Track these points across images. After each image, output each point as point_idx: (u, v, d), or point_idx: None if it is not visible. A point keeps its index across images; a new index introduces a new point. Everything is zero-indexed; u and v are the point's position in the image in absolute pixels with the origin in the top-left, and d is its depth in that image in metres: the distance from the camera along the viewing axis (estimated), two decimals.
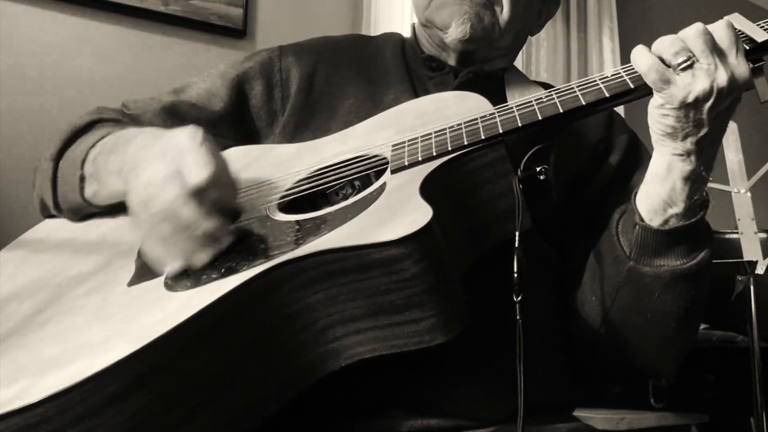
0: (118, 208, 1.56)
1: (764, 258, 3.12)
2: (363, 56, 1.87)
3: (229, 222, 1.32)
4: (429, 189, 1.25)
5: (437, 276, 1.14)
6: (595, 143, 1.74)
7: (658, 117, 1.31)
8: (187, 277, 1.23)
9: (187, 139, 1.32)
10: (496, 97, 1.54)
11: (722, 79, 1.26)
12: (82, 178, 1.53)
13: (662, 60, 1.29)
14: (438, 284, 1.14)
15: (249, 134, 1.75)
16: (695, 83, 1.26)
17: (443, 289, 1.16)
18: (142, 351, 1.04)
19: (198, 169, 1.26)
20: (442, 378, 1.41)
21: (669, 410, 3.58)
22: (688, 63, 1.27)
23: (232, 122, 1.76)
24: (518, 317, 1.21)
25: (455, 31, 1.72)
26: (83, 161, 1.54)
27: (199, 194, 1.26)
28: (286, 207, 1.41)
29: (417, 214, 1.15)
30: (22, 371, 1.08)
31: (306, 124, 1.71)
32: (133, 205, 1.31)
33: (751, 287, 3.12)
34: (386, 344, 1.17)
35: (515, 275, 1.22)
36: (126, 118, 1.73)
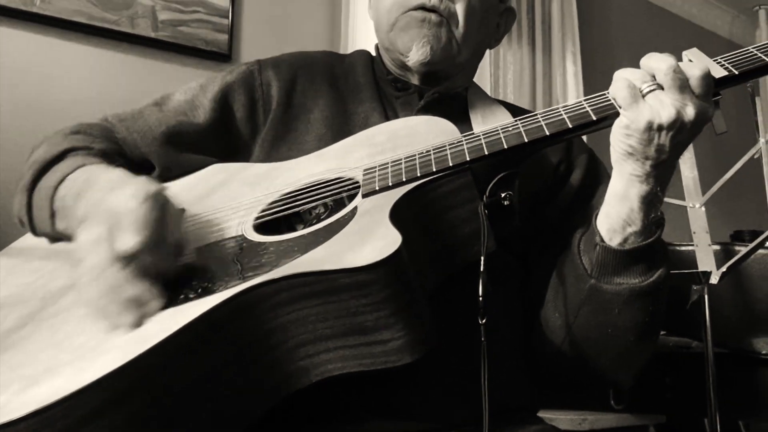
0: None
1: (718, 268, 3.14)
2: (336, 72, 1.88)
3: (159, 286, 1.24)
4: (398, 214, 1.26)
5: (405, 300, 1.15)
6: (556, 164, 1.75)
7: (622, 137, 1.33)
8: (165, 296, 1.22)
9: (130, 198, 1.28)
10: (460, 116, 1.60)
11: (690, 114, 1.29)
12: (53, 214, 1.52)
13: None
14: (406, 308, 1.15)
15: (231, 147, 1.75)
16: (662, 111, 1.29)
17: (411, 312, 1.16)
18: (120, 370, 1.04)
19: (128, 236, 1.23)
20: (411, 384, 1.41)
21: (628, 411, 3.60)
22: (653, 89, 1.30)
23: (215, 135, 1.75)
24: (482, 339, 1.22)
25: (416, 54, 1.74)
26: (52, 198, 1.52)
27: (125, 259, 1.23)
28: (262, 227, 1.41)
29: (386, 240, 1.16)
30: (3, 385, 1.08)
31: (283, 138, 1.72)
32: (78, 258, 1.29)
33: (706, 296, 3.14)
34: (355, 362, 1.18)
35: (480, 299, 1.22)
36: (105, 135, 1.73)
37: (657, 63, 1.34)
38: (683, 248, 3.36)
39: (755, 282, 3.40)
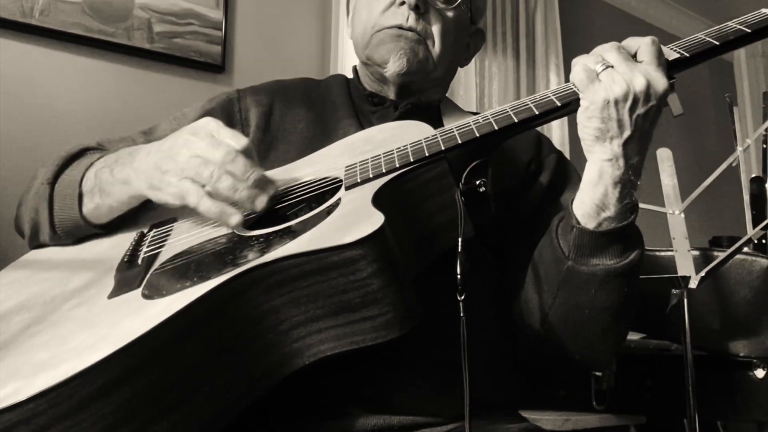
0: (110, 228, 1.63)
1: (697, 273, 3.15)
2: (313, 96, 1.91)
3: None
4: (380, 200, 1.29)
5: (391, 275, 1.18)
6: (527, 163, 1.80)
7: (585, 121, 1.38)
8: (162, 287, 1.25)
9: (211, 121, 1.45)
10: (434, 125, 1.59)
11: (639, 83, 1.34)
12: (81, 195, 1.55)
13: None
14: (391, 282, 1.18)
15: None
16: (614, 86, 1.34)
17: (396, 287, 1.19)
18: (118, 353, 1.06)
19: (237, 137, 1.41)
20: (398, 377, 1.43)
21: (610, 412, 3.60)
22: (604, 68, 1.36)
23: None
24: (461, 314, 1.24)
25: (394, 66, 1.79)
26: (81, 181, 1.56)
27: (244, 153, 1.39)
28: (252, 226, 1.43)
29: (371, 220, 1.19)
30: (15, 375, 1.08)
31: (266, 157, 1.75)
32: (167, 172, 1.42)
33: (685, 300, 3.14)
34: (346, 341, 1.20)
35: (458, 276, 1.24)
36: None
37: (604, 46, 1.42)
38: (663, 254, 3.37)
39: (733, 286, 3.41)
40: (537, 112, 1.42)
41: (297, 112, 1.87)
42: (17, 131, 3.25)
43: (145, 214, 1.67)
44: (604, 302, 1.50)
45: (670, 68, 1.42)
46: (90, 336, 1.16)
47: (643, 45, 1.41)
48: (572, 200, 1.50)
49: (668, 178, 3.29)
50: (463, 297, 1.24)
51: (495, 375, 1.62)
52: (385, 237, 1.19)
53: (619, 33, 5.21)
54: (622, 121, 1.36)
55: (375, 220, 1.20)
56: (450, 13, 1.87)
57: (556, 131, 5.60)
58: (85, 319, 1.25)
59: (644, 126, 1.39)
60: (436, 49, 1.85)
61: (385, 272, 1.18)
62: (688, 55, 1.43)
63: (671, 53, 1.44)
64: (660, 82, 1.37)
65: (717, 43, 1.43)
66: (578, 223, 1.46)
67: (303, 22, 4.40)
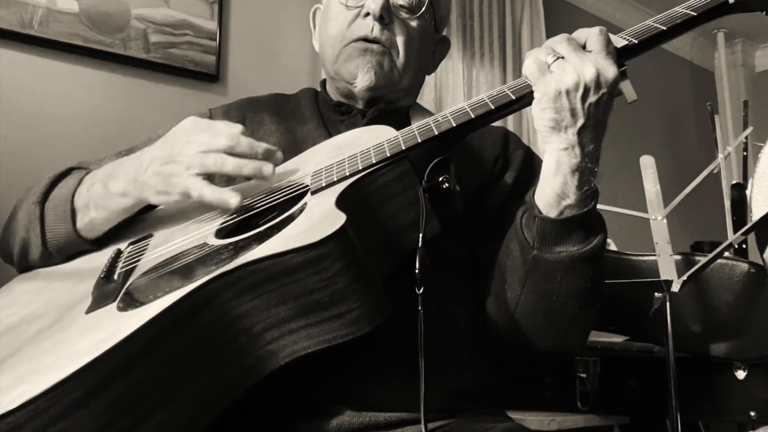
0: (100, 243, 1.65)
1: (679, 277, 3.16)
2: (283, 111, 1.93)
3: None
4: (344, 202, 1.31)
5: (356, 272, 1.19)
6: (493, 160, 1.82)
7: (540, 113, 1.40)
8: (137, 299, 1.26)
9: (199, 120, 1.53)
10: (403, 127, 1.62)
11: (589, 72, 1.36)
12: (74, 211, 1.58)
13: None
14: (358, 279, 1.19)
15: None
16: (564, 76, 1.36)
17: (363, 282, 1.20)
18: (84, 370, 1.06)
19: (230, 124, 1.47)
20: (378, 375, 1.45)
21: (594, 413, 3.61)
22: (555, 59, 1.38)
23: None
24: (419, 308, 1.26)
25: (362, 80, 1.81)
26: (73, 197, 1.59)
27: (243, 134, 1.49)
28: (221, 236, 1.45)
29: (332, 219, 1.21)
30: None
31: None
32: (172, 175, 1.48)
33: (667, 304, 3.15)
34: (318, 340, 1.21)
35: (416, 271, 1.27)
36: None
37: (554, 39, 1.45)
38: (646, 258, 3.38)
39: (714, 290, 3.42)
40: (493, 107, 1.45)
41: (268, 126, 1.89)
42: (16, 139, 3.26)
43: (128, 231, 1.70)
44: (570, 288, 1.51)
45: (619, 56, 1.44)
46: (66, 351, 1.16)
47: (591, 35, 1.43)
48: (533, 191, 1.52)
49: (651, 185, 3.30)
50: (421, 290, 1.27)
51: (474, 368, 1.62)
52: (348, 235, 1.20)
53: None
54: (575, 110, 1.38)
55: (337, 219, 1.21)
56: (414, 23, 1.89)
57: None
58: (59, 337, 1.26)
59: (597, 114, 1.41)
60: (400, 59, 1.86)
61: (350, 269, 1.19)
62: (636, 41, 1.46)
63: (620, 41, 1.46)
64: (609, 70, 1.39)
65: (664, 27, 1.46)
66: (540, 212, 1.48)
67: (295, 33, 4.40)
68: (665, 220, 3.33)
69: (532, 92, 1.43)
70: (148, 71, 3.78)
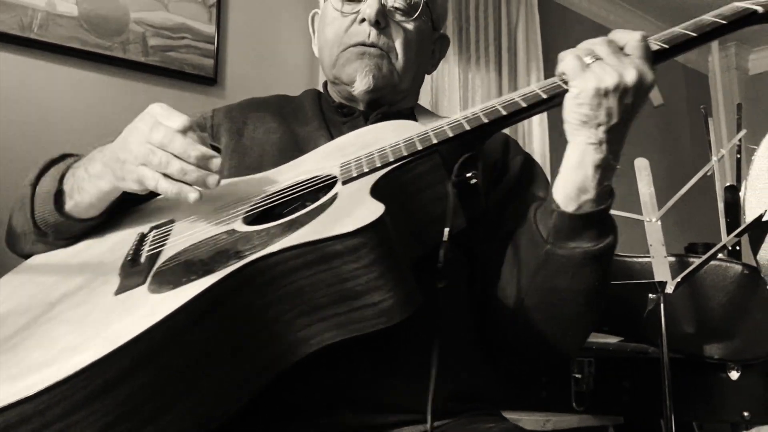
0: (99, 221, 1.64)
1: (673, 279, 3.17)
2: (286, 111, 1.93)
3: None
4: (378, 192, 1.30)
5: (391, 262, 1.19)
6: (493, 164, 1.81)
7: (574, 107, 1.40)
8: (169, 281, 1.25)
9: (156, 106, 1.47)
10: None
11: (630, 75, 1.37)
12: (60, 193, 1.58)
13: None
14: (392, 269, 1.18)
15: None
16: (605, 76, 1.36)
17: (396, 273, 1.19)
18: (120, 350, 1.05)
19: (175, 117, 1.43)
20: (380, 376, 1.44)
21: (589, 413, 3.62)
22: (594, 60, 1.38)
23: None
24: (438, 302, 1.27)
25: (360, 84, 1.80)
26: (60, 179, 1.60)
27: (182, 132, 1.41)
28: (251, 223, 1.44)
29: (371, 210, 1.20)
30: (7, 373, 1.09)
31: (238, 166, 1.77)
32: (125, 162, 1.45)
33: (662, 305, 3.16)
34: (348, 328, 1.20)
35: (439, 264, 1.27)
36: None
37: (592, 40, 1.44)
38: (641, 260, 3.39)
39: (708, 291, 3.43)
40: (524, 105, 1.44)
41: (270, 125, 1.88)
42: (16, 141, 3.26)
43: (137, 218, 1.69)
44: (579, 284, 1.51)
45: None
46: (100, 334, 1.15)
47: (632, 40, 1.43)
48: (552, 185, 1.52)
49: (645, 187, 3.31)
50: (443, 285, 1.27)
51: (472, 370, 1.62)
52: (385, 224, 1.19)
53: None
54: (611, 109, 1.38)
55: (375, 208, 1.21)
56: (410, 25, 1.87)
57: (536, 144, 5.63)
58: (90, 317, 1.25)
59: (630, 115, 1.42)
60: (399, 61, 1.85)
61: (386, 259, 1.19)
62: (668, 46, 1.47)
63: (653, 45, 1.46)
64: (648, 75, 1.40)
65: (694, 34, 1.47)
66: (558, 207, 1.48)
67: (293, 36, 4.41)
68: (659, 222, 3.34)
69: (563, 92, 1.43)
70: (147, 74, 3.78)
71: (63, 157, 1.71)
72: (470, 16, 5.49)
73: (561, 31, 6.40)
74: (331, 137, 1.80)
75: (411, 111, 1.96)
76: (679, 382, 3.20)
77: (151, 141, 1.42)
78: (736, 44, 8.12)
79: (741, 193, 2.96)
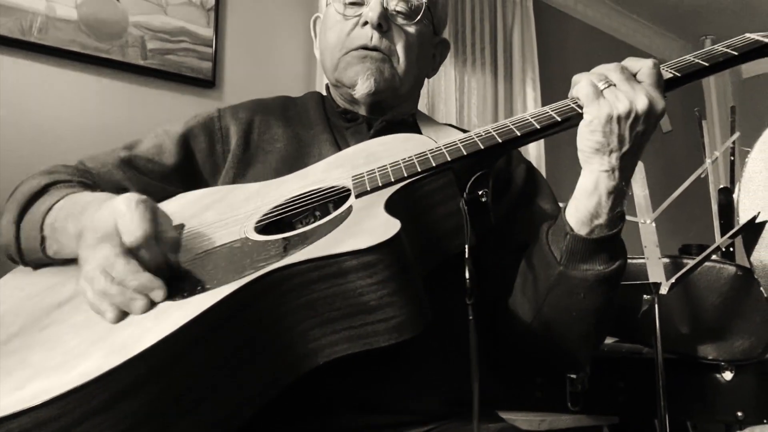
0: None
1: (667, 280, 3.17)
2: (290, 114, 1.92)
3: (160, 279, 1.27)
4: (392, 207, 1.30)
5: (405, 278, 1.18)
6: (496, 174, 1.80)
7: (588, 134, 1.41)
8: (183, 289, 1.24)
9: (123, 203, 1.32)
10: None
11: (642, 102, 1.38)
12: (43, 239, 1.54)
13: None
14: (406, 286, 1.18)
15: (196, 184, 1.76)
16: (617, 103, 1.37)
17: (410, 290, 1.19)
18: (136, 359, 1.04)
19: (128, 233, 1.28)
20: (385, 379, 1.45)
21: (584, 413, 3.61)
22: (607, 86, 1.39)
23: (181, 175, 1.78)
24: (470, 317, 1.26)
25: (362, 87, 1.80)
26: (41, 226, 1.54)
27: (128, 252, 1.28)
28: (261, 231, 1.43)
29: (387, 225, 1.20)
30: (38, 375, 1.08)
31: (244, 174, 1.76)
32: (80, 263, 1.33)
33: (656, 306, 3.16)
34: (360, 342, 1.20)
35: (467, 280, 1.26)
36: (81, 175, 1.72)
37: (606, 66, 1.45)
38: (635, 261, 3.39)
39: (702, 292, 3.43)
40: (538, 126, 1.45)
41: (275, 130, 1.87)
42: (17, 144, 3.26)
43: None
44: (591, 305, 1.52)
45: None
46: (110, 339, 1.15)
47: (645, 67, 1.45)
48: (564, 208, 1.53)
49: (640, 189, 3.31)
50: (472, 301, 1.26)
51: (470, 375, 1.62)
52: (402, 241, 1.20)
53: (593, 49, 5.24)
54: (623, 136, 1.40)
55: (392, 225, 1.21)
56: (412, 29, 1.88)
57: (532, 148, 5.63)
58: (101, 322, 1.24)
59: (641, 141, 1.43)
60: (401, 65, 1.86)
61: (401, 276, 1.19)
62: (680, 75, 1.49)
63: (665, 74, 1.48)
64: (659, 103, 1.42)
65: (706, 64, 1.49)
66: (572, 230, 1.49)
67: (290, 40, 4.41)
68: (654, 224, 3.34)
69: (577, 115, 1.44)
70: (146, 77, 3.79)
71: (46, 189, 1.64)
72: (466, 20, 5.50)
73: (556, 34, 6.41)
74: (335, 142, 1.81)
75: (413, 119, 1.97)
76: (673, 383, 3.21)
77: (96, 263, 1.29)
78: None
79: (734, 195, 2.97)
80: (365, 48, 1.83)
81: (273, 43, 4.36)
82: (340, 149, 1.77)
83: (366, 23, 1.83)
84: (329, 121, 1.92)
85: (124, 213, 1.31)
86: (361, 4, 1.87)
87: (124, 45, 3.67)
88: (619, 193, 1.46)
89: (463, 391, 1.54)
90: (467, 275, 1.27)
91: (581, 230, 1.48)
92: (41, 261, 1.59)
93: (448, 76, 5.27)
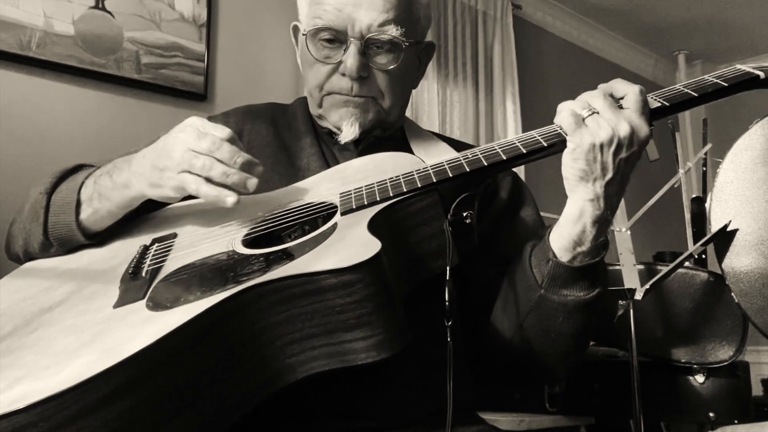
0: (100, 238, 1.62)
1: (642, 286, 3.20)
2: (279, 122, 1.89)
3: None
4: (375, 227, 1.29)
5: (385, 298, 1.17)
6: (484, 186, 1.78)
7: (571, 162, 1.39)
8: (166, 299, 1.24)
9: (196, 119, 1.47)
10: (403, 150, 1.64)
11: (624, 129, 1.35)
12: (79, 203, 1.55)
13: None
14: (385, 305, 1.17)
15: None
16: (600, 131, 1.35)
17: (389, 309, 1.18)
18: (118, 366, 1.03)
19: (220, 128, 1.43)
20: (370, 386, 1.44)
21: (562, 413, 3.64)
22: (590, 114, 1.37)
23: None
24: (449, 339, 1.26)
25: (348, 133, 1.74)
26: (80, 189, 1.56)
27: (229, 141, 1.43)
28: (250, 244, 1.43)
29: (368, 245, 1.19)
30: (24, 378, 1.08)
31: None
32: (165, 169, 1.44)
33: (631, 311, 3.19)
34: (338, 359, 1.19)
35: (446, 303, 1.26)
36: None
37: (591, 93, 1.42)
38: (611, 268, 3.41)
39: (675, 298, 3.46)
40: (524, 151, 1.43)
41: (264, 139, 1.84)
42: (15, 156, 3.26)
43: (137, 228, 1.67)
44: (569, 329, 1.52)
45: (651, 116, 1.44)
46: (97, 344, 1.14)
47: (630, 93, 1.41)
48: (548, 233, 1.51)
49: None
50: (450, 323, 1.27)
51: (456, 386, 1.61)
52: (381, 262, 1.18)
53: (570, 64, 5.26)
54: (605, 164, 1.38)
55: (373, 245, 1.20)
56: (393, 67, 1.73)
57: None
58: (89, 326, 1.23)
59: (625, 169, 1.41)
60: (386, 101, 1.76)
61: (380, 295, 1.17)
62: (668, 104, 1.45)
63: (653, 102, 1.45)
64: (643, 130, 1.39)
65: (696, 94, 1.45)
66: (555, 256, 1.47)
67: (280, 55, 4.41)
68: (629, 232, 3.37)
69: (563, 141, 1.42)
70: (140, 90, 3.77)
71: (77, 168, 1.69)
72: (449, 36, 5.51)
73: (535, 49, 6.43)
74: (323, 154, 1.79)
75: (402, 134, 1.91)
76: (647, 385, 3.24)
77: (197, 149, 1.41)
78: (702, 62, 8.15)
79: (707, 204, 2.99)
80: (347, 95, 1.74)
81: (263, 58, 4.37)
82: (327, 161, 1.77)
83: (344, 74, 1.72)
84: (317, 133, 1.87)
85: (202, 121, 1.48)
86: (338, 46, 1.74)
87: (120, 59, 3.66)
88: (604, 223, 1.44)
89: (444, 401, 1.55)
90: (447, 297, 1.28)
91: (564, 257, 1.47)
92: (62, 237, 1.60)
93: (431, 90, 5.27)
